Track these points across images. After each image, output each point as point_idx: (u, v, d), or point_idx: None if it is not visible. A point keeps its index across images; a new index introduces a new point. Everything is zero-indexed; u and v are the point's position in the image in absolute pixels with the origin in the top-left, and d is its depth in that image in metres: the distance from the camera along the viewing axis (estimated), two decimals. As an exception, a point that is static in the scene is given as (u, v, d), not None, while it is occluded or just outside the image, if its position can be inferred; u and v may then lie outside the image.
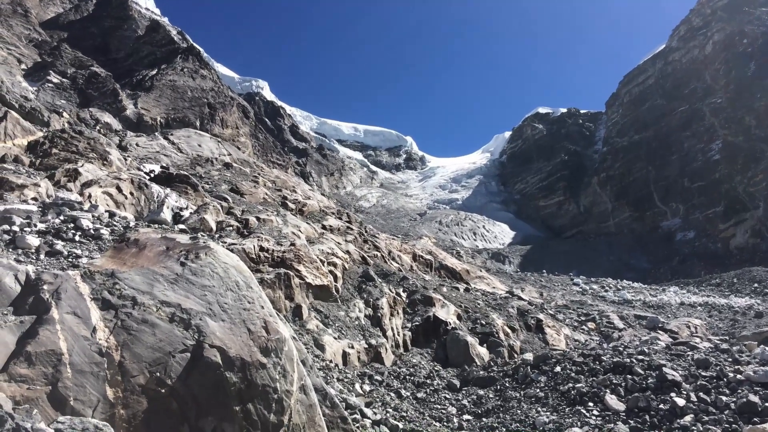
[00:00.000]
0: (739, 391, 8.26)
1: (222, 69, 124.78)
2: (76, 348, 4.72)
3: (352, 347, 11.83)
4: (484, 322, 16.05)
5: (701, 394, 8.39)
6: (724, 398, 8.08)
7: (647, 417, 8.12)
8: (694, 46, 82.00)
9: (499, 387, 11.15)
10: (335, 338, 11.70)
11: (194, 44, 64.31)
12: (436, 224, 79.38)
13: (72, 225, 7.93)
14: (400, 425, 8.56)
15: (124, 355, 4.94)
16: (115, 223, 9.14)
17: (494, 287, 24.59)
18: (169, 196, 15.03)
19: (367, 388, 10.12)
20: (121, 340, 5.01)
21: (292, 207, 22.02)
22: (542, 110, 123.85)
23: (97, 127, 31.98)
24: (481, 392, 11.04)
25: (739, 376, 8.74)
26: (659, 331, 19.06)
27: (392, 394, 10.28)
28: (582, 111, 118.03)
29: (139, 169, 19.37)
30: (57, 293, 5.06)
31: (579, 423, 8.43)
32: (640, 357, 10.45)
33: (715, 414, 7.81)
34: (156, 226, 10.49)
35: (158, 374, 5.01)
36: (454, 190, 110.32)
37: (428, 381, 11.66)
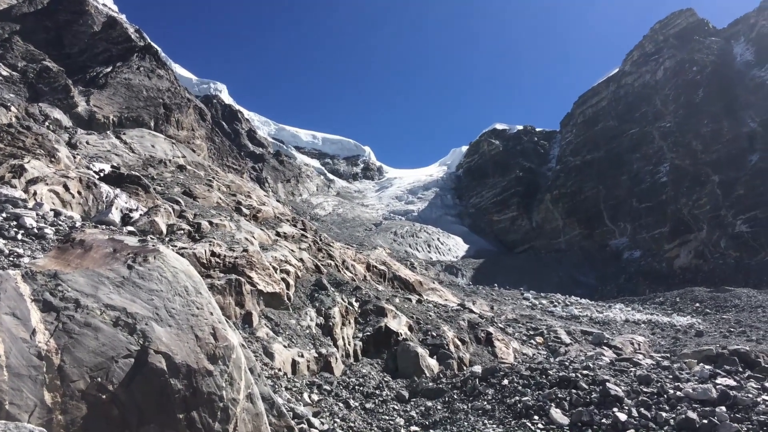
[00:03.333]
0: (679, 407, 8.49)
1: (180, 70, 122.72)
2: (13, 350, 4.54)
3: (302, 356, 11.71)
4: (435, 334, 16.11)
5: (642, 409, 8.60)
6: (663, 414, 8.29)
7: (590, 431, 8.28)
8: (645, 71, 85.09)
9: (447, 399, 11.19)
10: (285, 346, 11.57)
11: (152, 43, 63.12)
12: (392, 235, 79.63)
13: (15, 223, 7.67)
14: (348, 436, 8.50)
15: (65, 358, 4.78)
16: (60, 222, 8.88)
17: (446, 299, 24.76)
18: (119, 196, 14.65)
19: (315, 397, 10.02)
20: (61, 344, 4.84)
21: (246, 212, 21.75)
22: (499, 126, 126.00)
23: (47, 123, 31.01)
24: (430, 404, 11.06)
25: (678, 393, 8.98)
26: (604, 347, 19.51)
27: (341, 404, 10.20)
28: (537, 129, 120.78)
29: (88, 167, 18.86)
30: (-5, 293, 4.87)
31: (524, 436, 8.54)
32: (585, 372, 10.67)
33: (655, 429, 8.00)
34: (104, 227, 10.23)
35: (99, 379, 4.86)
36: (410, 202, 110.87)
37: (377, 391, 11.61)
